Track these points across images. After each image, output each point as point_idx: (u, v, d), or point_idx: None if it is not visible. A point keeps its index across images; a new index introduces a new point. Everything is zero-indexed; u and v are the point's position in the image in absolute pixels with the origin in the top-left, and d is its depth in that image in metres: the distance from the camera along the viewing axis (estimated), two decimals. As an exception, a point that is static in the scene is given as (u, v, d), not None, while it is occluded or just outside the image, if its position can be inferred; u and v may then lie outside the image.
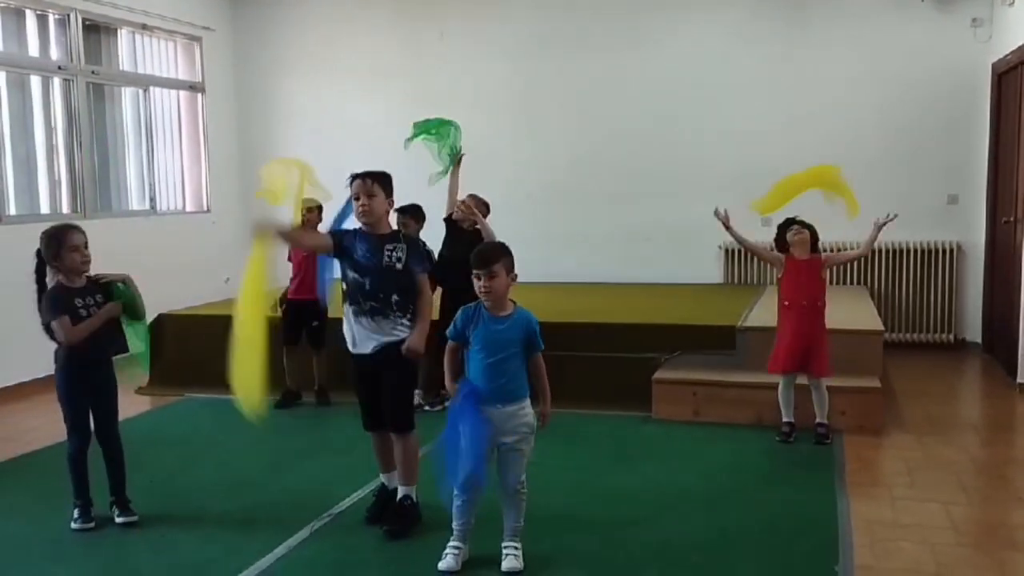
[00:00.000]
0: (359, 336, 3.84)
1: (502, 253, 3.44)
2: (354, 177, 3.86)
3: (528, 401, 3.46)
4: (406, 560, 3.60)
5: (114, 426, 4.09)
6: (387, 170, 3.95)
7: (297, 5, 9.08)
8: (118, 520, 3.99)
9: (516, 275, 3.47)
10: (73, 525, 3.96)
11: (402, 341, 3.80)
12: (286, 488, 4.49)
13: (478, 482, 3.37)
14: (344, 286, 3.93)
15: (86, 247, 3.95)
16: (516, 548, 3.48)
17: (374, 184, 3.83)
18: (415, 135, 5.90)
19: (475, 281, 3.40)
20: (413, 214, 5.67)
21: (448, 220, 5.89)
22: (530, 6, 8.46)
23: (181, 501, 4.34)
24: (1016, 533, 3.82)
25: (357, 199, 3.83)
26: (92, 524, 3.97)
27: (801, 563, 3.53)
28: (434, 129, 5.87)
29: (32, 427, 5.65)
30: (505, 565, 3.43)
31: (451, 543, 3.47)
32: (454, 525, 3.46)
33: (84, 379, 3.98)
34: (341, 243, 3.87)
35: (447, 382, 3.55)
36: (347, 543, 3.78)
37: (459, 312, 3.49)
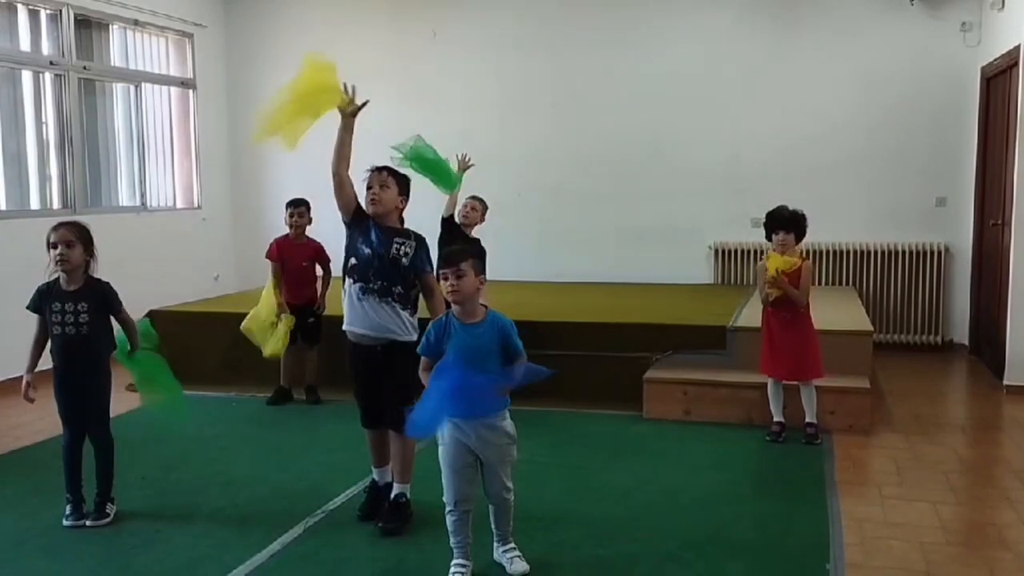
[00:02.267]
0: (359, 315, 3.83)
1: (469, 255, 3.34)
2: (373, 169, 3.89)
3: (507, 411, 3.36)
4: (399, 557, 3.61)
5: (102, 428, 4.04)
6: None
7: (289, 2, 9.06)
8: (87, 524, 3.95)
9: (484, 278, 3.38)
10: (64, 522, 3.95)
11: (408, 343, 3.80)
12: (279, 485, 4.49)
13: (468, 496, 3.32)
14: (351, 262, 3.89)
15: (69, 246, 3.81)
16: (516, 550, 3.47)
17: (389, 176, 3.89)
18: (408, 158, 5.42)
19: (442, 282, 3.30)
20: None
21: (448, 221, 5.83)
22: (522, 6, 8.48)
23: (173, 497, 4.34)
24: (1004, 532, 3.86)
25: (370, 188, 3.85)
26: (82, 522, 3.95)
27: (792, 561, 3.56)
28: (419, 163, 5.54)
29: (24, 422, 5.63)
30: (515, 569, 3.41)
31: (456, 562, 3.36)
32: (452, 542, 3.37)
33: (71, 379, 3.95)
34: (359, 213, 3.89)
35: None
36: (341, 540, 3.79)
37: (429, 327, 3.38)
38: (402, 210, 3.99)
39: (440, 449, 3.35)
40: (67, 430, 4.02)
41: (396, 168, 3.99)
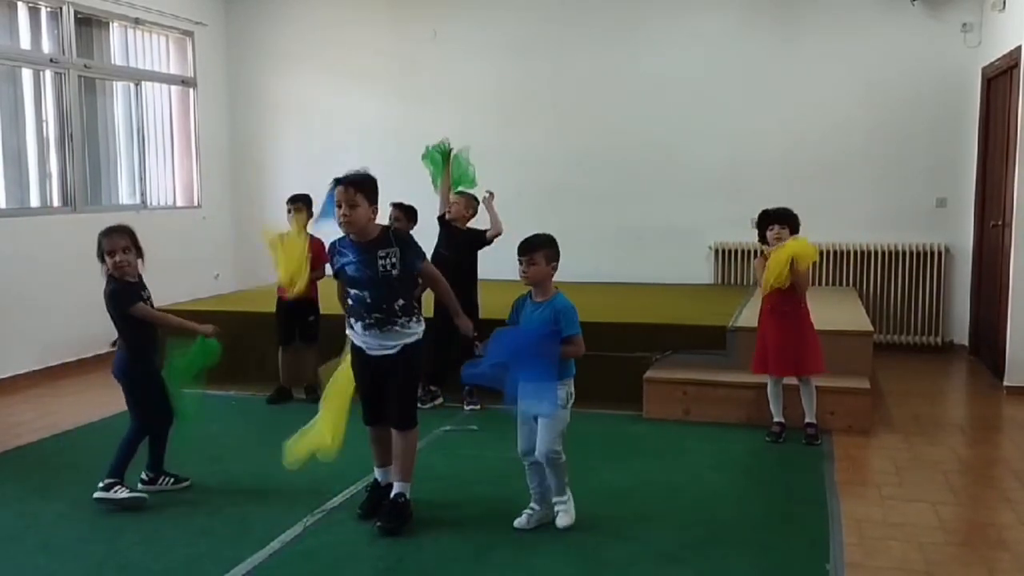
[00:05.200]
0: (371, 345, 3.85)
1: (544, 244, 3.75)
2: (336, 182, 3.77)
3: (558, 382, 3.74)
4: (398, 556, 3.61)
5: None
6: (381, 168, 3.94)
7: (290, 1, 9.05)
8: (175, 487, 4.35)
9: (556, 265, 3.78)
10: (121, 494, 4.08)
11: (415, 342, 3.87)
12: (278, 483, 4.47)
13: (529, 451, 3.75)
14: (348, 302, 3.89)
15: (126, 250, 4.05)
16: (564, 503, 3.82)
17: (356, 193, 3.72)
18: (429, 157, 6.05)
19: (519, 265, 3.72)
20: (407, 212, 5.74)
21: (442, 219, 5.91)
22: (523, 6, 8.47)
23: (174, 495, 4.34)
24: (1003, 532, 3.86)
25: (339, 207, 3.74)
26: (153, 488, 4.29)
27: (792, 561, 3.56)
28: (435, 163, 6.05)
29: (22, 420, 5.63)
30: (559, 522, 3.79)
31: (530, 505, 3.82)
32: (530, 488, 3.82)
33: (154, 367, 4.23)
34: (335, 266, 3.93)
35: None
36: (340, 538, 3.79)
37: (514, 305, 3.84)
38: (373, 219, 3.83)
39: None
40: (159, 418, 4.28)
41: (355, 177, 3.77)
